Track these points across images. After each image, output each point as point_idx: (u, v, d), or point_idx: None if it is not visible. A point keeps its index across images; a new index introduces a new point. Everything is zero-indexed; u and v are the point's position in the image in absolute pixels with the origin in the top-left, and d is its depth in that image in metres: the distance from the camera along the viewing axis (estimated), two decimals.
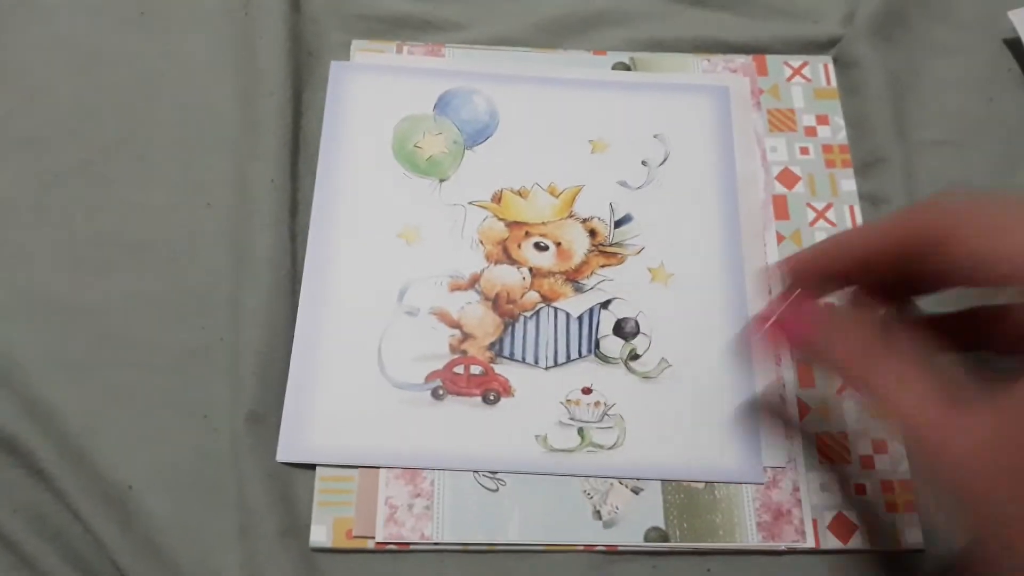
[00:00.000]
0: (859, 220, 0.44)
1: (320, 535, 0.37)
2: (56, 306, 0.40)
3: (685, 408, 0.39)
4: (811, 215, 0.44)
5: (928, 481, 0.36)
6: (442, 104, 0.45)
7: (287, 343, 0.40)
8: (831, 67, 0.47)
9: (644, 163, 0.44)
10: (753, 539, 0.37)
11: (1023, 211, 0.26)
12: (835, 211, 0.44)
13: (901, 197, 0.43)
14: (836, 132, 0.45)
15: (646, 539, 0.37)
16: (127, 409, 0.38)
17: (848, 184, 0.44)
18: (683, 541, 0.37)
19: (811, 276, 0.32)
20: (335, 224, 0.42)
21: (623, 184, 0.44)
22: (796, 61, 0.47)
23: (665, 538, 0.37)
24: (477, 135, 0.45)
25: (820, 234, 0.43)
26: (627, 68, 0.46)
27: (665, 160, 0.44)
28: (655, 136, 0.45)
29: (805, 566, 0.37)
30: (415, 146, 0.44)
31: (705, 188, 0.44)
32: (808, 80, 0.47)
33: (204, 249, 0.41)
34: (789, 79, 0.47)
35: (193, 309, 0.40)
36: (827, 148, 0.45)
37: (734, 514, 0.37)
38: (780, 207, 0.44)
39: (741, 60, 0.47)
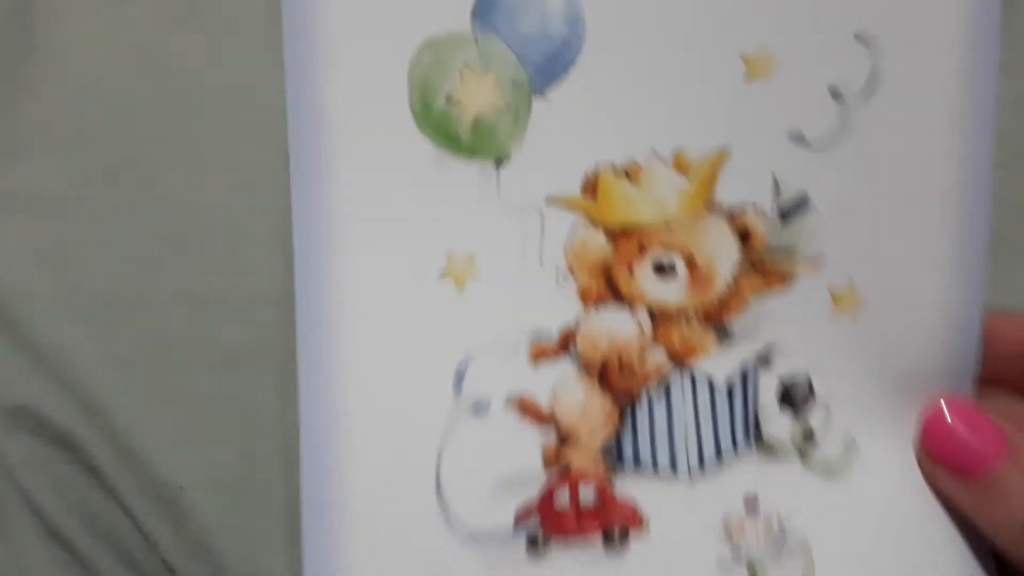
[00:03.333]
0: None
1: None
2: (106, 303, 0.40)
3: (886, 517, 0.27)
4: None
5: None
6: (485, 6, 0.25)
7: None
8: None
9: (836, 93, 0.26)
10: None
11: None
12: None
13: None
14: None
15: None
16: (177, 408, 0.38)
17: None
18: None
19: None
20: (331, 263, 0.25)
21: (797, 138, 0.26)
22: None
23: None
24: (550, 65, 0.26)
25: None
26: None
27: (875, 88, 0.26)
28: (857, 37, 0.26)
29: None
30: (448, 100, 0.25)
31: (945, 142, 0.26)
32: None
33: (253, 248, 0.39)
34: None
35: (243, 308, 0.39)
36: None
37: None
38: None
39: None
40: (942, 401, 0.26)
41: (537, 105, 0.25)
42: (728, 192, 0.26)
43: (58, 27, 0.44)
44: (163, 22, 0.44)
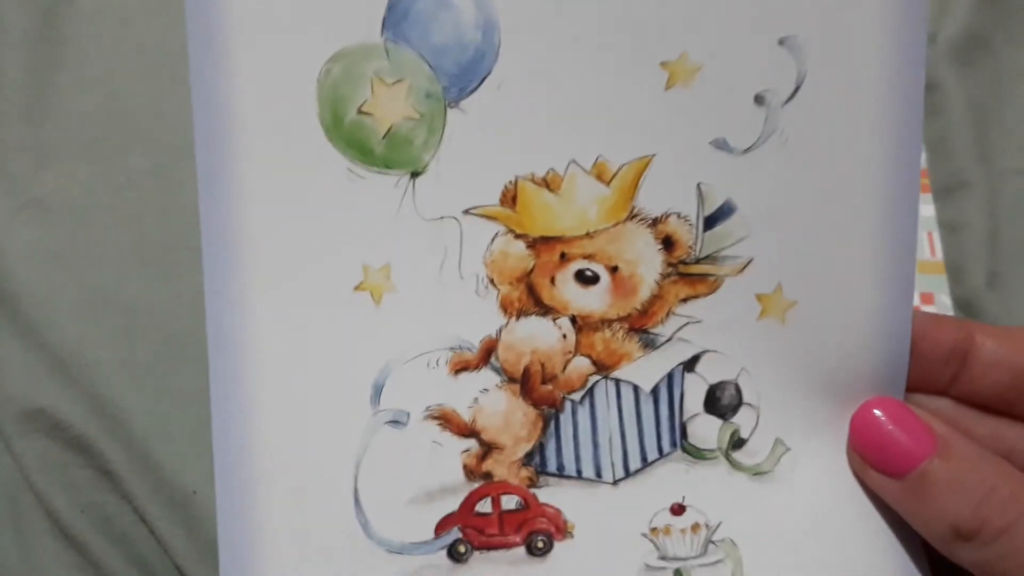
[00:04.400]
0: (938, 247, 0.43)
1: None
2: (125, 308, 0.40)
3: (815, 517, 0.27)
4: None
5: None
6: (396, 16, 0.25)
7: None
8: None
9: (759, 99, 0.26)
10: None
11: None
12: None
13: (982, 224, 0.43)
14: None
15: None
16: (192, 413, 0.38)
17: (927, 209, 0.43)
18: None
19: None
20: (242, 276, 0.25)
21: (720, 145, 0.26)
22: None
23: None
24: (465, 75, 0.25)
25: None
26: None
27: (797, 90, 0.26)
28: (781, 42, 0.26)
29: None
30: (360, 112, 0.25)
31: (870, 144, 0.26)
32: None
33: None
34: None
35: None
36: None
37: None
38: None
39: None
40: (872, 401, 0.26)
41: (453, 115, 0.25)
42: (651, 200, 0.26)
43: (84, 38, 0.46)
44: (185, 33, 0.45)
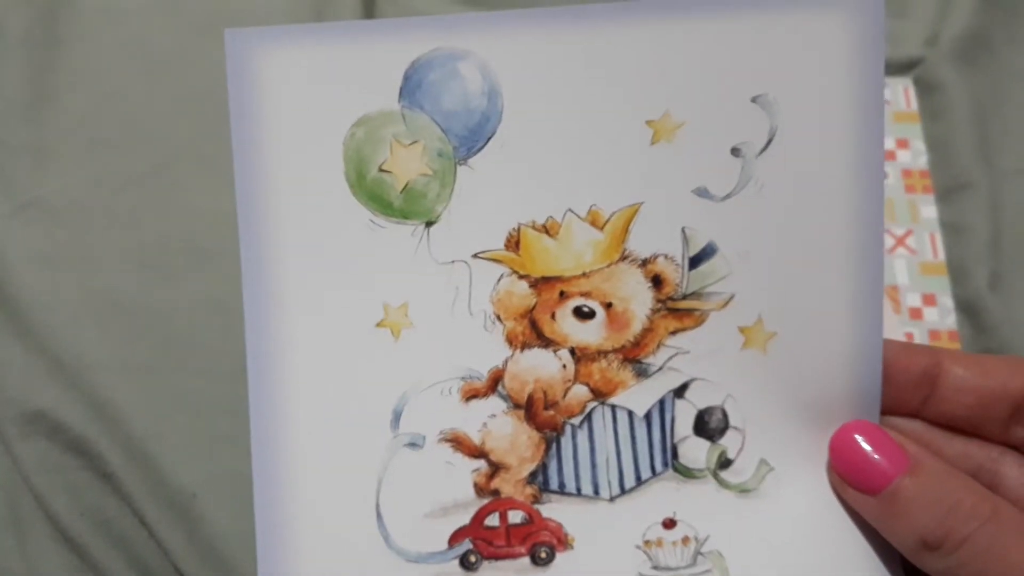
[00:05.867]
0: (940, 248, 0.44)
1: None
2: (125, 309, 0.40)
3: (797, 530, 0.29)
4: (890, 242, 0.43)
5: None
6: (411, 86, 0.28)
7: None
8: (911, 90, 0.45)
9: (736, 151, 0.29)
10: None
11: None
12: (915, 238, 0.43)
13: (985, 226, 0.43)
14: (917, 157, 0.44)
15: None
16: (192, 415, 0.38)
17: (929, 211, 0.43)
18: None
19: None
20: (278, 314, 0.28)
21: (702, 193, 0.29)
22: None
23: None
24: (472, 136, 0.29)
25: (900, 262, 0.43)
26: None
27: (769, 143, 0.29)
28: (755, 100, 0.29)
29: None
30: (381, 170, 0.28)
31: (837, 189, 0.29)
32: (887, 103, 0.43)
33: None
34: None
35: None
36: (907, 173, 0.44)
37: None
38: None
39: None
40: (850, 424, 0.29)
41: (462, 172, 0.29)
42: (640, 243, 0.29)
43: (82, 38, 0.46)
44: (185, 34, 0.46)
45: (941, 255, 0.44)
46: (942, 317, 0.43)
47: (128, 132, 0.44)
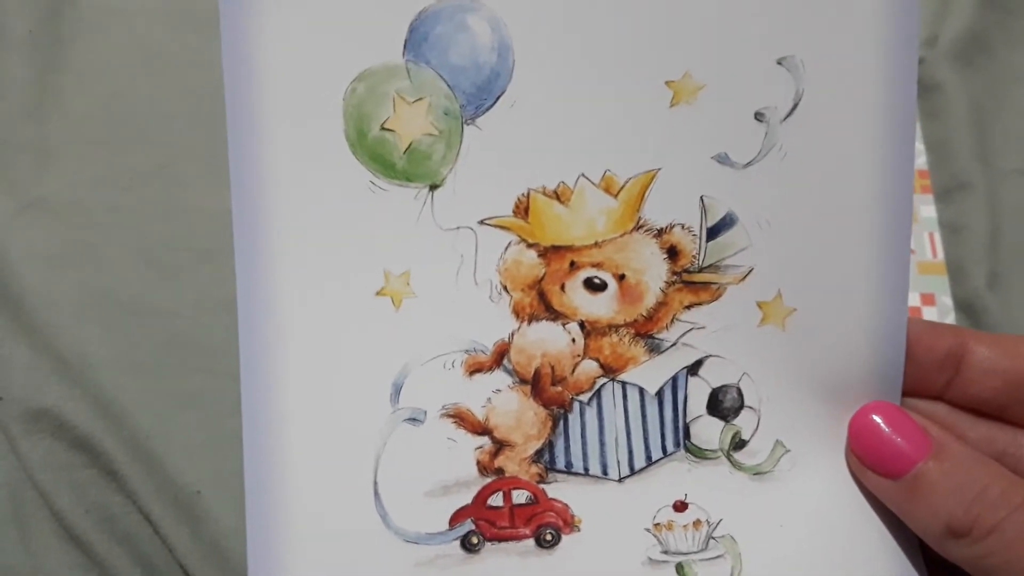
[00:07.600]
0: (939, 248, 0.44)
1: None
2: (128, 308, 0.41)
3: (814, 515, 0.28)
4: None
5: None
6: (417, 39, 0.27)
7: None
8: None
9: (759, 116, 0.27)
10: None
11: None
12: (914, 238, 0.42)
13: (983, 225, 0.44)
14: (915, 157, 0.40)
15: None
16: (195, 413, 0.39)
17: (928, 210, 0.44)
18: None
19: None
20: (271, 281, 0.27)
21: (722, 160, 0.27)
22: None
23: None
24: (480, 94, 0.27)
25: None
26: None
27: (795, 108, 0.27)
28: (780, 62, 0.27)
29: None
30: (383, 128, 0.27)
31: (865, 159, 0.27)
32: None
33: None
34: None
35: None
36: None
37: None
38: None
39: None
40: (870, 405, 0.28)
41: (469, 132, 0.27)
42: (656, 212, 0.28)
43: (85, 39, 0.46)
44: (187, 33, 0.46)
45: (940, 255, 0.45)
46: (941, 316, 0.44)
47: (131, 132, 0.44)
